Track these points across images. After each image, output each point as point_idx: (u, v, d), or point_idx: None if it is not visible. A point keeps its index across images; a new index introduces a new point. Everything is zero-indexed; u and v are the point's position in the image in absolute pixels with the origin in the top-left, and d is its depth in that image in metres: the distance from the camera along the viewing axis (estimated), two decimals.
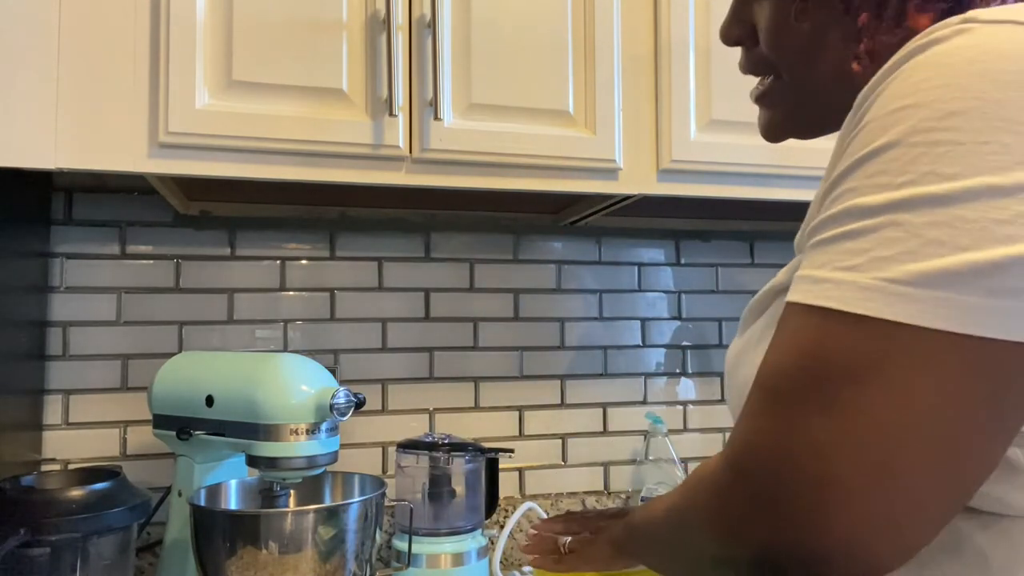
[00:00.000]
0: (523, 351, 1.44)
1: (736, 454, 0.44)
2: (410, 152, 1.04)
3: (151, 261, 1.28)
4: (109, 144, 0.95)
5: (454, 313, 1.41)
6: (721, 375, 1.54)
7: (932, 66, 0.42)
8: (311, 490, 1.13)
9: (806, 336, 0.42)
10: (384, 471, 1.35)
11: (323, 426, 0.99)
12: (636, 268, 1.51)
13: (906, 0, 0.53)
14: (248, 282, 1.32)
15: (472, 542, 1.18)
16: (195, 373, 1.08)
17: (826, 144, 1.30)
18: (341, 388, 0.99)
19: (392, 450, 1.35)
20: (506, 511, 1.37)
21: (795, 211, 1.34)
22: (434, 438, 1.23)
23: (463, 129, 1.06)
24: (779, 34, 0.61)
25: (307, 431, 0.98)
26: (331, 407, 0.97)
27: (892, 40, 0.52)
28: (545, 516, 1.34)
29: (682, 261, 1.53)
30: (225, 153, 0.98)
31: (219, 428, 1.03)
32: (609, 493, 1.45)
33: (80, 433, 1.23)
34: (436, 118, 1.03)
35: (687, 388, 1.52)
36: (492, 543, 1.26)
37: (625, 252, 1.50)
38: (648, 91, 1.15)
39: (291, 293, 1.34)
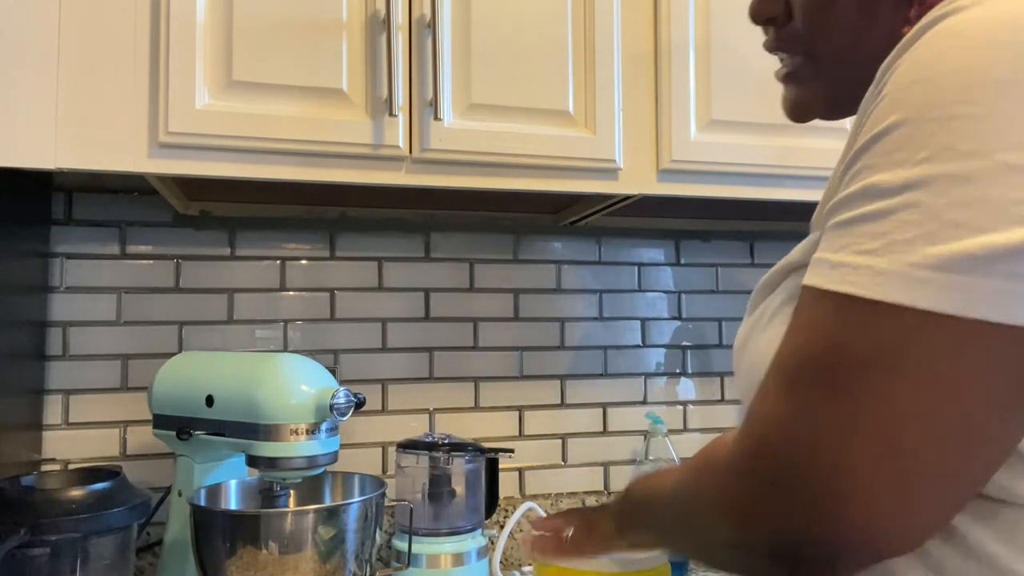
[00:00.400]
0: (523, 351, 1.44)
1: (751, 438, 0.43)
2: (410, 152, 1.04)
3: (151, 261, 1.28)
4: (109, 144, 0.95)
5: (454, 313, 1.41)
6: (721, 375, 1.54)
7: (949, 37, 0.41)
8: (311, 490, 1.13)
9: (824, 322, 0.41)
10: (384, 471, 1.35)
11: (323, 426, 0.99)
12: (636, 268, 1.51)
13: None
14: (248, 282, 1.32)
15: (472, 542, 1.18)
16: (195, 373, 1.08)
17: (826, 144, 1.30)
18: (341, 388, 0.99)
19: (392, 450, 1.35)
20: (506, 511, 1.37)
21: (795, 211, 1.34)
22: (434, 438, 1.23)
23: (463, 129, 1.06)
24: (822, 7, 0.58)
25: (307, 431, 0.98)
26: (331, 407, 0.97)
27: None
28: (545, 516, 1.34)
29: (682, 261, 1.53)
30: (225, 153, 0.98)
31: (219, 428, 1.03)
32: (609, 493, 1.45)
33: (80, 433, 1.23)
34: (436, 118, 1.03)
35: (687, 388, 1.52)
36: (492, 543, 1.26)
37: (625, 252, 1.50)
38: (648, 91, 1.15)
39: (291, 293, 1.34)
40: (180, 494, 1.09)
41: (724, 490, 0.45)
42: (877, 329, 0.39)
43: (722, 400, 1.54)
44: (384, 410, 1.37)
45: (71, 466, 1.21)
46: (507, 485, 1.39)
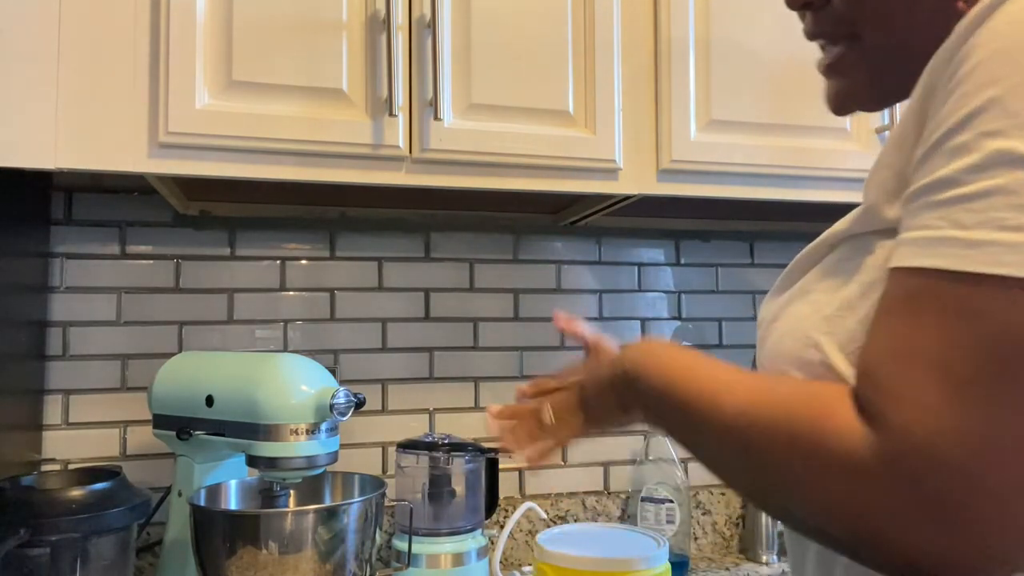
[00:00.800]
0: (523, 351, 1.44)
1: (907, 445, 0.38)
2: (410, 152, 1.04)
3: (151, 261, 1.28)
4: (109, 144, 0.95)
5: (454, 313, 1.41)
6: None
7: None
8: (311, 490, 1.13)
9: (984, 310, 0.37)
10: (384, 471, 1.35)
11: (323, 426, 0.99)
12: (636, 268, 1.51)
13: None
14: (248, 282, 1.32)
15: (472, 542, 1.18)
16: (195, 373, 1.08)
17: (826, 144, 1.30)
18: (341, 388, 0.99)
19: (392, 450, 1.34)
20: (506, 511, 1.37)
21: (795, 211, 1.35)
22: (434, 438, 1.23)
23: (463, 129, 1.06)
24: None
25: (307, 431, 0.98)
26: (331, 407, 0.97)
27: None
28: (544, 516, 1.34)
29: (682, 261, 1.53)
30: (225, 153, 0.98)
31: (219, 428, 1.03)
32: (609, 493, 1.45)
33: (80, 433, 1.23)
34: (436, 118, 1.03)
35: None
36: (492, 543, 1.26)
37: (625, 252, 1.50)
38: (648, 91, 1.15)
39: (291, 293, 1.34)
40: (180, 494, 1.09)
41: (849, 491, 0.40)
42: None
43: None
44: (384, 410, 1.37)
45: (71, 466, 1.21)
46: (507, 485, 1.39)
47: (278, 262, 1.34)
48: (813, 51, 0.59)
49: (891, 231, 0.46)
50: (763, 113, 1.17)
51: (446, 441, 1.21)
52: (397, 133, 1.03)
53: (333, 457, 1.02)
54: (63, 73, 0.93)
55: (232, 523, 0.96)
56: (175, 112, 0.95)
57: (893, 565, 0.40)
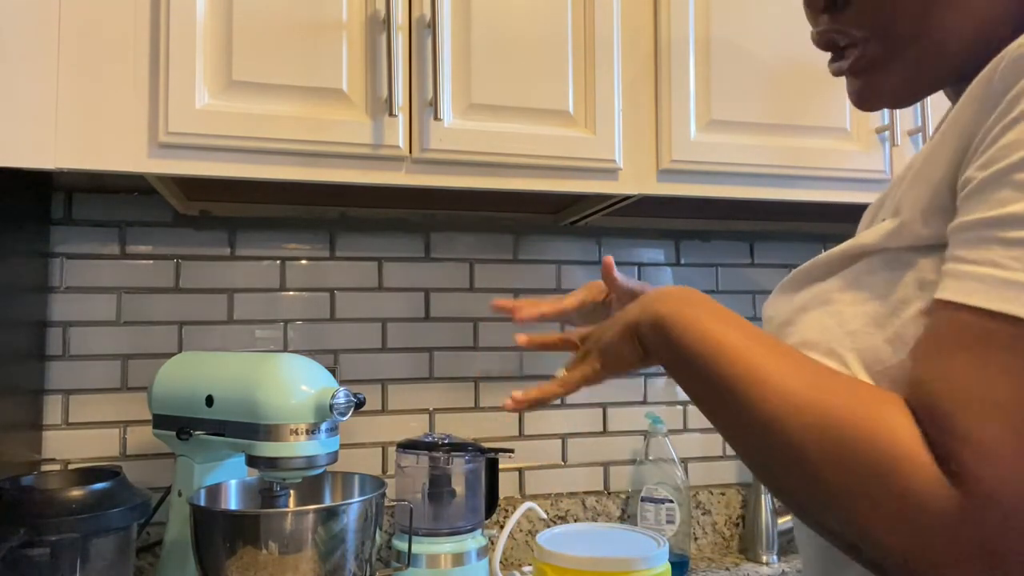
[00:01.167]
0: (523, 351, 1.44)
1: (982, 505, 0.38)
2: (410, 152, 1.04)
3: (151, 261, 1.28)
4: (109, 144, 0.95)
5: (454, 313, 1.41)
6: None
7: None
8: (311, 490, 1.13)
9: None
10: (384, 471, 1.35)
11: (323, 426, 0.99)
12: (636, 268, 1.51)
13: None
14: (248, 282, 1.32)
15: (472, 542, 1.18)
16: (195, 373, 1.08)
17: (826, 144, 1.30)
18: (341, 388, 0.99)
19: (392, 450, 1.35)
20: (506, 511, 1.37)
21: (795, 211, 1.35)
22: (434, 438, 1.23)
23: (463, 129, 1.06)
24: None
25: (307, 431, 0.98)
26: (331, 407, 0.97)
27: None
28: (544, 516, 1.34)
29: (682, 261, 1.53)
30: (225, 153, 0.98)
31: (219, 428, 1.03)
32: (609, 493, 1.45)
33: (80, 433, 1.23)
34: (436, 118, 1.03)
35: None
36: (492, 543, 1.26)
37: (625, 252, 1.50)
38: (648, 91, 1.15)
39: (291, 293, 1.34)
40: (180, 494, 1.09)
41: (920, 540, 0.40)
42: None
43: None
44: (384, 410, 1.37)
45: (71, 466, 1.21)
46: (507, 485, 1.39)
47: (278, 262, 1.34)
48: (813, 51, 0.59)
49: (928, 248, 0.46)
50: (763, 113, 1.17)
51: (446, 441, 1.21)
52: (397, 133, 1.03)
53: (333, 457, 1.02)
54: (63, 73, 0.93)
55: (232, 523, 0.96)
56: (175, 112, 0.95)
57: None
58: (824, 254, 0.54)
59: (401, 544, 1.14)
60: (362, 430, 1.34)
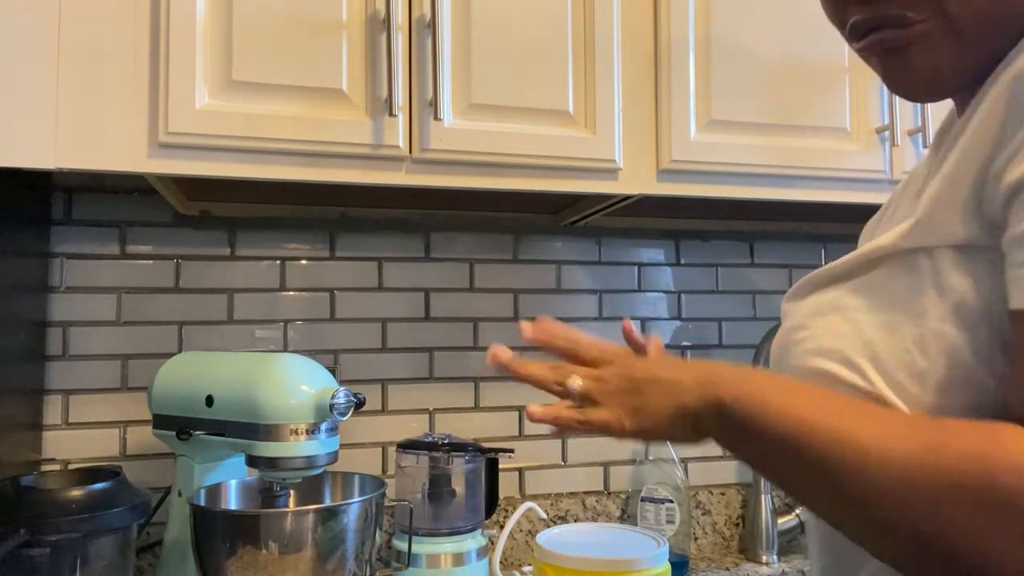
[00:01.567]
0: (523, 351, 1.43)
1: None
2: (410, 152, 1.04)
3: (151, 261, 1.28)
4: (109, 144, 0.95)
5: (454, 313, 1.41)
6: None
7: None
8: (311, 490, 1.13)
9: None
10: (384, 471, 1.35)
11: (323, 426, 0.99)
12: (636, 268, 1.51)
13: None
14: (248, 282, 1.32)
15: (472, 542, 1.18)
16: (195, 373, 1.08)
17: (826, 144, 1.30)
18: (341, 388, 0.99)
19: (392, 450, 1.35)
20: (506, 511, 1.37)
21: (795, 211, 1.34)
22: (434, 438, 1.23)
23: (463, 129, 1.06)
24: None
25: (307, 431, 0.98)
26: (331, 407, 0.97)
27: None
28: (544, 516, 1.34)
29: (682, 261, 1.53)
30: (225, 153, 0.98)
31: (219, 428, 1.03)
32: (609, 493, 1.45)
33: (80, 433, 1.23)
34: (436, 118, 1.03)
35: None
36: (492, 543, 1.26)
37: (625, 252, 1.50)
38: (648, 91, 1.15)
39: (291, 293, 1.34)
40: (180, 494, 1.09)
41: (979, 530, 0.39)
42: None
43: None
44: (384, 410, 1.37)
45: (71, 466, 1.21)
46: (507, 485, 1.39)
47: (278, 262, 1.34)
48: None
49: (946, 249, 0.46)
50: (763, 113, 1.17)
51: (446, 441, 1.21)
52: (397, 133, 1.03)
53: (333, 457, 1.02)
54: (63, 73, 0.93)
55: (232, 523, 0.97)
56: (175, 112, 0.95)
57: None
58: (840, 260, 0.54)
59: (401, 544, 1.15)
60: (362, 430, 1.34)
